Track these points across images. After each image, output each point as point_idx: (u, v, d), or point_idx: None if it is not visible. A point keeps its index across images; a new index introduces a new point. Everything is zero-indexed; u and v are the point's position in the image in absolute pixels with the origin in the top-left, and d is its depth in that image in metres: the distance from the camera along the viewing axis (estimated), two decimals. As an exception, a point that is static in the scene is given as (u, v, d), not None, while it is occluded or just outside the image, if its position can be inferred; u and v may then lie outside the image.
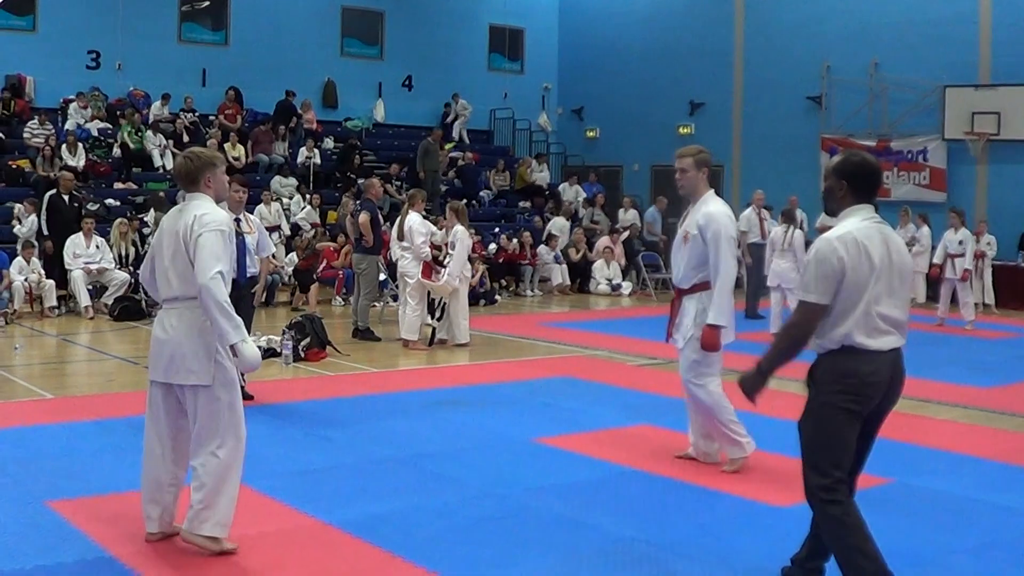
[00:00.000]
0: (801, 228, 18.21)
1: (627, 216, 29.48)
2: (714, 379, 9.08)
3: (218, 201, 7.09)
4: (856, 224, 5.69)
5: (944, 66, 26.80)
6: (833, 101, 29.54)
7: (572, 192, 31.69)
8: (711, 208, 8.89)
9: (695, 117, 33.19)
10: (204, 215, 6.59)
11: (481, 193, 30.89)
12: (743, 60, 32.00)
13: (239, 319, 6.50)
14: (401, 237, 16.54)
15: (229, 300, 6.43)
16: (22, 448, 9.27)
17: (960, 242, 20.41)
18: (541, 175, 32.85)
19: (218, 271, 6.38)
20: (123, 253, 21.01)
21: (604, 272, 26.38)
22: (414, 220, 16.35)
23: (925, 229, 24.04)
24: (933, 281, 22.69)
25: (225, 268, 6.48)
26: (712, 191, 9.16)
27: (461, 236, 16.41)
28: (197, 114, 29.00)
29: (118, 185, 25.75)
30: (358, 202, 18.56)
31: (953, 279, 20.34)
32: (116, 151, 26.55)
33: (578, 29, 36.73)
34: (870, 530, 5.72)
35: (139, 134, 26.92)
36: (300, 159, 28.58)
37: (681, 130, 33.33)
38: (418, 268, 16.18)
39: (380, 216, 18.10)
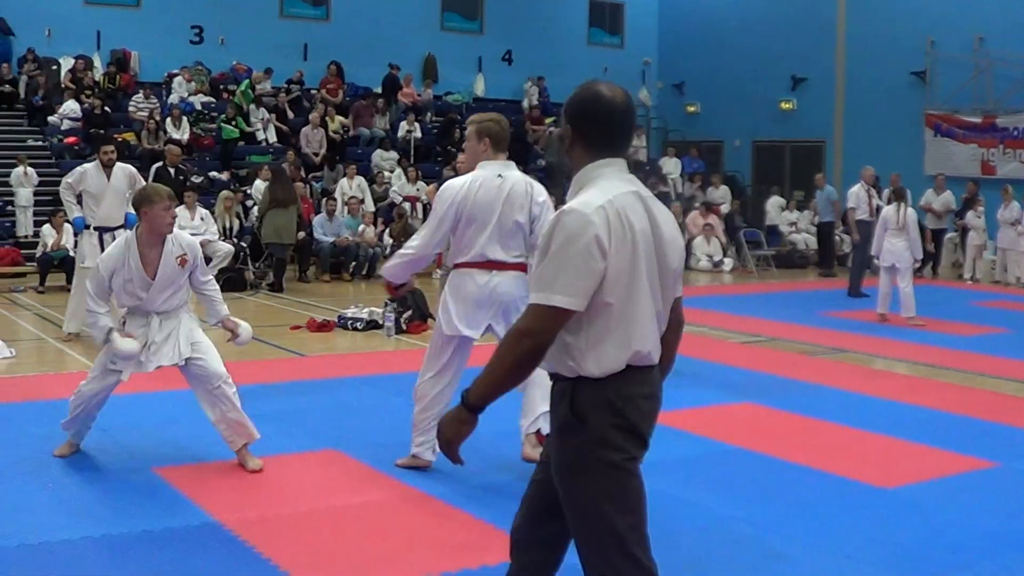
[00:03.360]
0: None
1: (718, 193, 29.30)
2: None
3: (154, 235, 7.83)
4: (613, 189, 3.97)
5: (1051, 41, 26.40)
6: (937, 77, 29.15)
7: (672, 165, 31.56)
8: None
9: (797, 92, 32.89)
10: None
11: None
12: (846, 34, 31.60)
13: None
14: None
15: None
16: (130, 415, 9.38)
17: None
18: (641, 150, 32.75)
19: None
20: (227, 225, 21.19)
21: (704, 248, 26.21)
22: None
23: (1031, 208, 23.66)
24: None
25: None
26: (488, 163, 7.76)
27: None
28: (303, 88, 29.26)
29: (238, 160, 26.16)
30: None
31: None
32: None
33: (678, 3, 36.50)
34: None
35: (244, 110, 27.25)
36: (400, 133, 28.67)
37: (783, 105, 33.09)
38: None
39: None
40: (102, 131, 24.93)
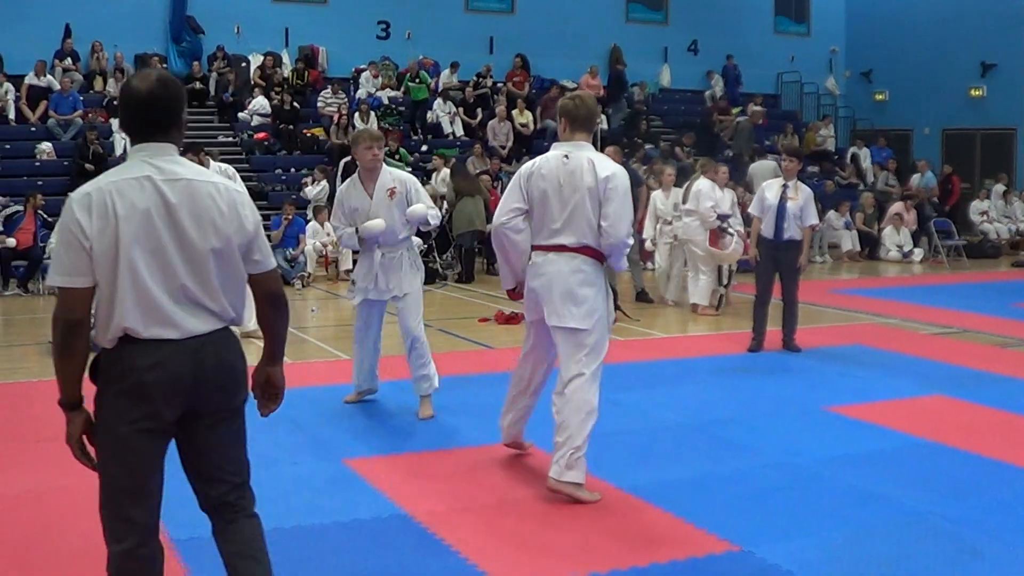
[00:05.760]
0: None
1: (921, 181, 28.68)
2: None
3: (364, 170, 9.32)
4: (115, 175, 4.22)
5: None
6: None
7: (861, 155, 31.07)
8: None
9: (987, 79, 32.07)
10: None
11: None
12: (1035, 20, 30.80)
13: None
14: (684, 201, 16.43)
15: None
16: (318, 407, 9.52)
17: None
18: (829, 139, 32.27)
19: None
20: (414, 218, 21.40)
21: (894, 238, 25.68)
22: (703, 185, 16.18)
23: None
24: None
25: None
26: (560, 144, 7.42)
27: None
28: (492, 81, 29.37)
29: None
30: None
31: None
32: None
33: (866, -10, 35.93)
34: None
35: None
36: (586, 125, 28.61)
37: (972, 92, 32.31)
38: (702, 234, 16.03)
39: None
40: (291, 127, 25.43)
